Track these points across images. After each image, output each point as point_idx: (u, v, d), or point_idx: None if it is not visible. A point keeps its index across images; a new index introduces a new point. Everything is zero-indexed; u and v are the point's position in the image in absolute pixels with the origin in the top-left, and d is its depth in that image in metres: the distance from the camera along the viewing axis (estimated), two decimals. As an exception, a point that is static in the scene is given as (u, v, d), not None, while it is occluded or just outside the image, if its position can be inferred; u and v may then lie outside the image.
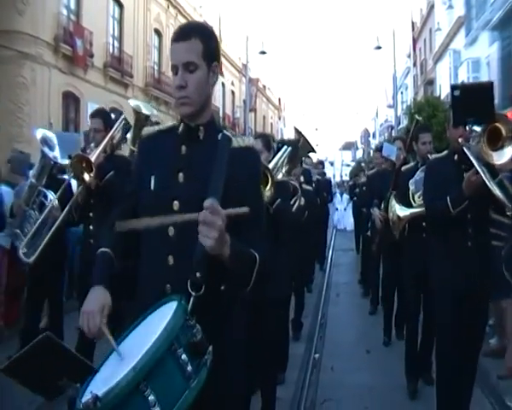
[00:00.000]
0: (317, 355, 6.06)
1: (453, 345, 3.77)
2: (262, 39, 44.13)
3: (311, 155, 8.55)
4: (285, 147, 4.75)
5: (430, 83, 35.95)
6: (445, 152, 4.10)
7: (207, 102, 2.10)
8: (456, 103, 3.58)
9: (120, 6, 24.20)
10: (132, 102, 5.27)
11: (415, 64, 38.84)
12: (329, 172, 26.91)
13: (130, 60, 24.53)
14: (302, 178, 6.79)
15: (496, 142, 3.52)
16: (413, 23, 36.47)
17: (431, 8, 36.27)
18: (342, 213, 21.45)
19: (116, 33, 23.96)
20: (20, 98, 16.98)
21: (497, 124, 3.52)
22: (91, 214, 4.59)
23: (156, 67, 28.02)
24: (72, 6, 20.55)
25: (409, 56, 40.15)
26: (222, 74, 36.33)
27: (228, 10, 78.15)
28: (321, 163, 14.35)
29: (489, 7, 23.44)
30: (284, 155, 4.64)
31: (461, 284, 3.74)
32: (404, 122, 27.67)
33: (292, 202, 4.99)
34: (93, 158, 4.39)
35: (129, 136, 5.13)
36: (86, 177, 4.40)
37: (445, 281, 3.87)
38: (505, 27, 22.09)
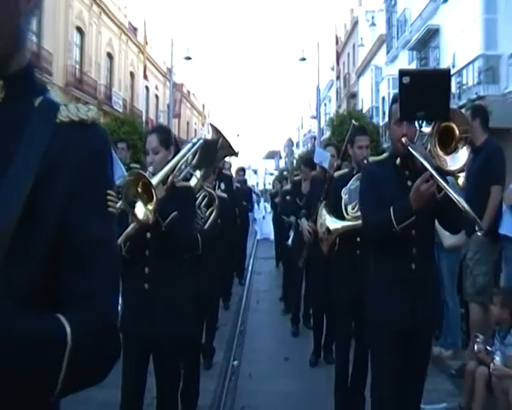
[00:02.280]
0: (235, 362, 6.02)
1: (392, 391, 3.15)
2: (187, 44, 44.02)
3: (232, 161, 8.22)
4: (190, 143, 3.89)
5: (353, 96, 37.11)
6: (385, 155, 3.47)
7: (16, 42, 1.19)
8: (405, 93, 2.90)
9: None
10: None
11: (338, 77, 39.86)
12: (253, 180, 27.09)
13: (49, 57, 23.65)
14: (222, 185, 6.25)
15: (447, 143, 2.94)
16: (337, 37, 37.45)
17: (355, 24, 37.48)
18: (261, 222, 21.54)
19: (35, 29, 23.04)
20: None
21: (451, 123, 2.94)
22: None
23: (78, 66, 27.19)
24: None
25: (332, 69, 41.18)
26: (146, 78, 35.82)
27: (153, 13, 77.49)
28: (242, 170, 13.71)
29: (409, 27, 24.63)
30: (188, 154, 3.75)
31: (403, 320, 3.09)
32: (327, 133, 28.31)
33: (207, 213, 4.31)
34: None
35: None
36: (139, 210, 3.11)
37: (383, 316, 3.17)
38: (422, 48, 23.30)
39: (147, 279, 3.30)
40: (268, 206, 21.47)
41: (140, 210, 3.08)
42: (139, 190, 3.08)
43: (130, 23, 34.99)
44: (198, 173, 4.10)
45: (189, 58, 32.84)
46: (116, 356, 1.23)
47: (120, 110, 30.35)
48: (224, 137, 4.53)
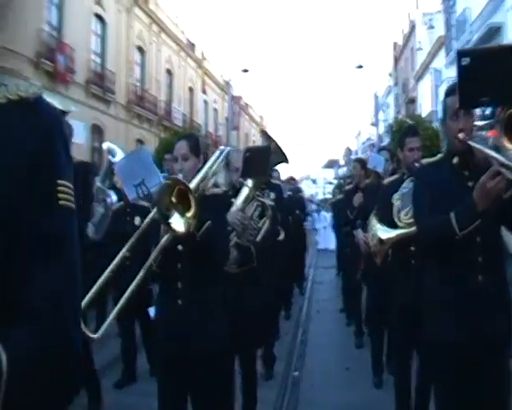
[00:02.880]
0: (296, 373, 6.01)
1: None
2: (245, 57, 44.39)
3: (288, 170, 8.08)
4: (218, 151, 3.63)
5: (412, 101, 36.44)
6: (440, 155, 3.10)
7: None
8: (465, 76, 2.49)
9: (103, 22, 24.22)
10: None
11: (396, 83, 39.30)
12: (312, 189, 26.99)
13: (112, 76, 24.49)
14: (272, 195, 5.99)
15: None
16: (395, 43, 36.96)
17: (412, 27, 36.87)
18: (323, 233, 21.38)
19: (99, 50, 23.94)
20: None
21: None
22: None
23: (139, 84, 28.01)
24: (55, 22, 20.51)
25: (390, 75, 40.62)
26: (204, 92, 36.47)
27: (211, 28, 78.79)
28: (292, 179, 13.47)
29: (469, 27, 23.97)
30: (219, 161, 3.53)
31: (470, 341, 2.69)
32: (386, 140, 27.92)
33: (260, 225, 4.13)
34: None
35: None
36: (177, 222, 2.83)
37: (445, 335, 2.78)
38: (483, 48, 22.57)
39: (180, 295, 3.09)
40: (328, 215, 21.30)
41: (177, 221, 2.79)
42: (173, 200, 2.82)
43: (188, 39, 35.74)
44: (249, 183, 3.94)
45: (246, 70, 33.16)
46: (72, 384, 1.04)
47: (180, 125, 31.01)
48: (275, 144, 4.30)
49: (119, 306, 3.07)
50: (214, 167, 3.43)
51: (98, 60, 23.81)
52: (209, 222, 2.93)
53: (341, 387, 5.62)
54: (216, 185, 3.64)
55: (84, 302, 2.74)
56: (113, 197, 5.76)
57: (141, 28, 28.13)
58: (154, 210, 3.00)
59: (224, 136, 41.24)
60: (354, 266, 6.70)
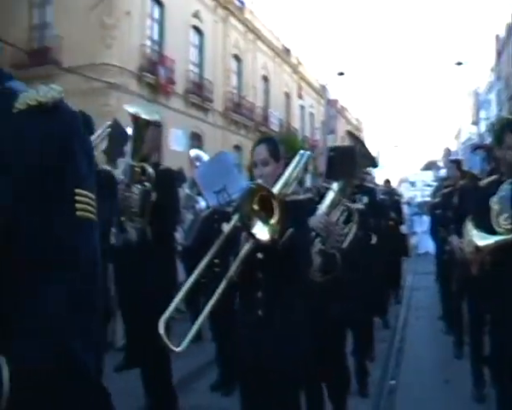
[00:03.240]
0: (393, 382, 5.90)
1: None
2: (340, 60, 44.01)
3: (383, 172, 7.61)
4: (299, 156, 3.36)
5: (517, 98, 34.48)
6: None
7: None
8: None
9: (200, 34, 25.01)
10: (131, 108, 4.15)
11: (499, 78, 37.40)
12: (410, 192, 26.19)
13: (210, 85, 25.21)
14: (365, 199, 5.69)
15: None
16: (497, 35, 35.18)
17: (517, 20, 34.92)
18: (422, 236, 20.69)
19: (197, 60, 24.75)
20: (107, 125, 17.89)
21: None
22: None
23: (236, 92, 28.61)
24: (156, 37, 21.49)
25: (492, 70, 38.71)
26: (300, 97, 36.57)
27: (305, 33, 78.83)
28: (388, 182, 12.77)
29: None
30: (300, 165, 3.32)
31: None
32: (488, 140, 26.62)
33: (346, 230, 3.88)
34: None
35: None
36: (260, 230, 2.70)
37: None
38: None
39: (260, 305, 2.92)
40: (427, 219, 20.56)
41: (261, 229, 2.65)
42: (255, 207, 2.67)
43: (283, 45, 36.03)
44: (335, 186, 3.72)
45: (341, 74, 32.90)
46: (73, 394, 1.01)
47: (277, 130, 31.33)
48: (362, 145, 4.08)
49: (202, 316, 2.81)
50: (296, 172, 3.21)
51: (196, 70, 24.64)
52: (291, 230, 2.78)
53: (439, 401, 5.44)
54: (296, 192, 3.56)
55: (168, 311, 2.68)
56: (202, 204, 5.85)
57: (237, 37, 28.73)
58: (235, 217, 2.86)
59: (320, 140, 41.14)
60: (452, 273, 6.43)
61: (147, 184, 4.11)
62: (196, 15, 24.32)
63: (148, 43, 20.91)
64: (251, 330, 2.95)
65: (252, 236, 2.69)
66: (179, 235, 6.85)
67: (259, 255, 2.91)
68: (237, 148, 27.57)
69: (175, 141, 21.33)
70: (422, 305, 10.63)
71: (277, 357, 2.84)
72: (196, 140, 23.95)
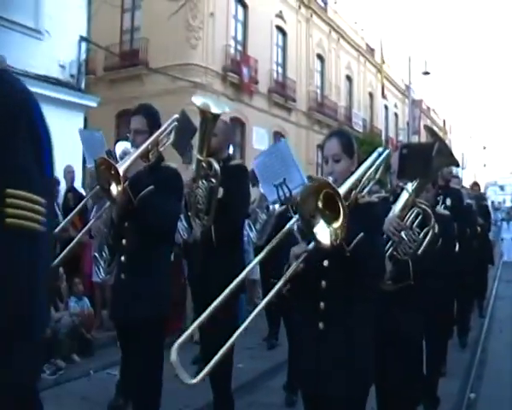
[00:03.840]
0: (472, 395, 5.68)
1: None
2: (425, 59, 42.85)
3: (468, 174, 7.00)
4: (376, 153, 3.04)
5: None
6: None
7: None
8: None
9: (284, 34, 25.09)
10: (198, 100, 3.94)
11: None
12: (499, 196, 25.06)
13: (293, 85, 25.26)
14: (448, 201, 5.34)
15: None
16: None
17: None
18: (509, 243, 19.66)
19: (280, 60, 24.86)
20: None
21: None
22: (124, 242, 3.65)
23: (319, 91, 28.48)
24: (240, 37, 21.79)
25: None
26: (384, 97, 35.86)
27: (389, 31, 77.08)
28: (476, 185, 12.04)
29: None
30: (378, 163, 2.97)
31: None
32: None
33: (421, 236, 3.44)
34: (124, 166, 3.28)
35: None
36: (113, 189, 3.25)
37: None
38: None
39: (322, 317, 2.64)
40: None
41: (323, 231, 2.36)
42: (319, 204, 2.38)
43: (367, 44, 35.47)
44: (409, 186, 3.41)
45: (427, 73, 32.01)
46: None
47: (360, 130, 30.93)
48: (441, 142, 3.72)
49: (250, 316, 2.52)
50: (371, 171, 2.86)
51: (280, 70, 24.74)
52: (361, 235, 2.47)
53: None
54: (378, 192, 3.41)
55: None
56: (276, 206, 5.84)
57: (320, 36, 28.58)
58: (295, 216, 2.58)
59: (404, 141, 40.16)
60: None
61: (213, 180, 3.92)
62: (279, 15, 24.43)
63: (232, 43, 21.23)
64: (310, 345, 2.67)
65: (313, 236, 2.40)
66: (253, 234, 6.89)
67: (325, 263, 2.64)
68: (320, 147, 27.45)
69: (258, 140, 21.56)
70: (507, 316, 10.15)
71: (340, 382, 2.57)
72: (279, 139, 24.06)
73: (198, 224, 4.07)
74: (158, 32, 18.35)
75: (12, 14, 12.80)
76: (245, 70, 21.16)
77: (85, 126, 13.53)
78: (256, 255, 2.99)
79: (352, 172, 2.74)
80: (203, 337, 4.36)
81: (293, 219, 2.65)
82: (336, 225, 2.31)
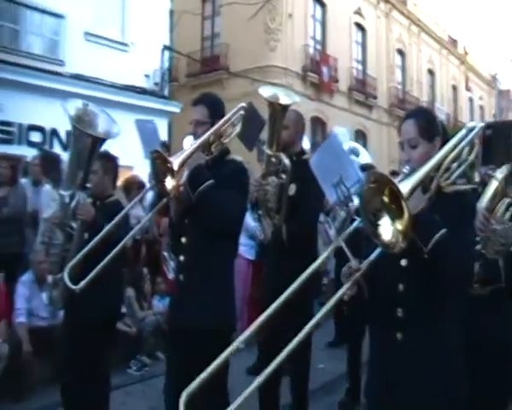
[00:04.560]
0: None
1: None
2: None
3: None
4: (464, 130, 2.41)
5: None
6: None
7: None
8: None
9: (363, 30, 24.70)
10: (265, 91, 3.70)
11: None
12: None
13: (373, 82, 24.80)
14: None
15: None
16: None
17: None
18: None
19: (359, 57, 24.50)
20: (273, 126, 18.42)
21: None
22: (183, 240, 3.26)
23: (400, 87, 27.80)
24: (318, 37, 21.67)
25: None
26: (469, 89, 34.54)
27: (472, 20, 74.29)
28: None
29: None
30: (464, 143, 2.35)
31: None
32: None
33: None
34: (179, 159, 2.99)
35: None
36: (168, 183, 2.95)
37: None
38: None
39: (400, 327, 2.27)
40: None
41: (386, 228, 2.05)
42: (385, 199, 2.05)
43: (449, 36, 34.30)
44: (499, 174, 2.96)
45: (516, 60, 30.45)
46: None
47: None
48: None
49: (309, 325, 2.25)
50: (456, 153, 2.33)
51: (359, 67, 24.37)
52: (443, 231, 2.10)
53: None
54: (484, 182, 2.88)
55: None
56: (356, 202, 5.60)
57: (400, 31, 27.91)
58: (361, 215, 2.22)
59: (492, 133, 38.40)
60: None
61: (283, 175, 3.69)
62: (358, 12, 24.08)
63: (311, 43, 21.14)
64: (386, 356, 2.31)
65: (377, 237, 2.07)
66: (331, 232, 6.59)
67: (403, 262, 2.28)
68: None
69: (342, 139, 21.27)
70: None
71: (420, 395, 2.22)
72: (361, 137, 23.67)
73: (269, 223, 3.85)
74: (237, 36, 18.58)
75: (102, 30, 13.37)
76: (325, 69, 21.00)
77: (170, 132, 13.87)
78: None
79: (431, 158, 2.25)
80: (269, 341, 3.82)
81: (357, 221, 2.37)
82: (400, 226, 1.98)
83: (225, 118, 3.27)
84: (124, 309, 6.87)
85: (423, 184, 2.16)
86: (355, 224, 2.38)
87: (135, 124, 4.38)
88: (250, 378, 2.03)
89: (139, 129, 4.47)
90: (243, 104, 3.41)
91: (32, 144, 11.09)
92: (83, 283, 3.13)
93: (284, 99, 3.65)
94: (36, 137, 12.02)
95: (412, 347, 2.22)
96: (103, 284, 3.37)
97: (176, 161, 2.94)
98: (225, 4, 19.43)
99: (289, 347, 2.09)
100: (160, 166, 2.97)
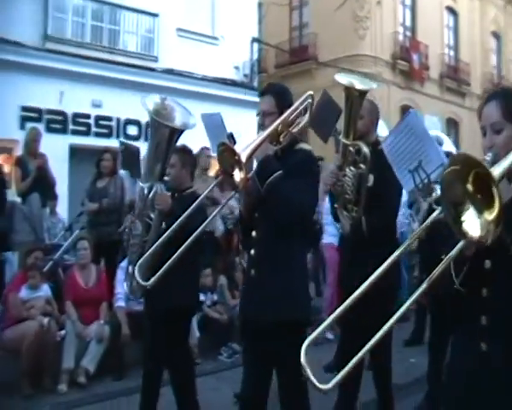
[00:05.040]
0: None
1: None
2: None
3: None
4: None
5: None
6: None
7: None
8: None
9: (455, 14, 23.77)
10: (342, 78, 3.55)
11: None
12: None
13: (466, 68, 23.82)
14: None
15: None
16: None
17: None
18: None
19: (451, 42, 23.59)
20: (362, 116, 18.20)
21: None
22: (254, 234, 3.18)
23: (495, 72, 26.52)
24: (408, 23, 21.09)
25: None
26: None
27: None
28: None
29: None
30: None
31: None
32: None
33: None
34: (247, 150, 2.90)
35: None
36: (237, 176, 2.87)
37: None
38: None
39: (484, 336, 2.00)
40: None
41: (471, 221, 1.77)
42: (469, 187, 1.77)
43: None
44: None
45: None
46: None
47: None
48: None
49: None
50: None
51: (451, 53, 23.49)
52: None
53: None
54: None
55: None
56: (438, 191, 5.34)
57: (495, 12, 26.57)
58: (438, 209, 2.02)
59: None
60: None
61: (362, 166, 3.53)
62: (450, -5, 23.20)
63: (401, 30, 20.62)
64: (469, 370, 2.04)
65: (459, 229, 1.79)
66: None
67: (487, 264, 2.00)
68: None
69: (430, 128, 20.57)
70: None
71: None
72: (452, 126, 22.85)
73: (346, 216, 3.68)
74: (326, 25, 18.47)
75: (192, 25, 13.73)
76: (415, 56, 20.42)
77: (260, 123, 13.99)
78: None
79: None
80: (348, 334, 3.80)
81: (437, 211, 2.05)
82: (490, 216, 1.70)
83: (293, 107, 3.15)
84: (215, 297, 7.08)
85: (510, 175, 1.89)
86: (434, 214, 2.07)
87: (201, 118, 4.36)
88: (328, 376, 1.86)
89: (205, 123, 4.51)
90: (310, 92, 3.30)
91: (129, 137, 11.55)
92: (153, 279, 3.12)
93: (361, 85, 3.48)
94: (133, 130, 12.60)
95: (498, 359, 1.94)
96: (179, 275, 3.36)
97: (243, 153, 2.85)
98: (313, -6, 19.39)
99: (371, 341, 1.89)
100: (228, 159, 2.87)
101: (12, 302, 5.60)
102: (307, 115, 3.21)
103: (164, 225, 3.71)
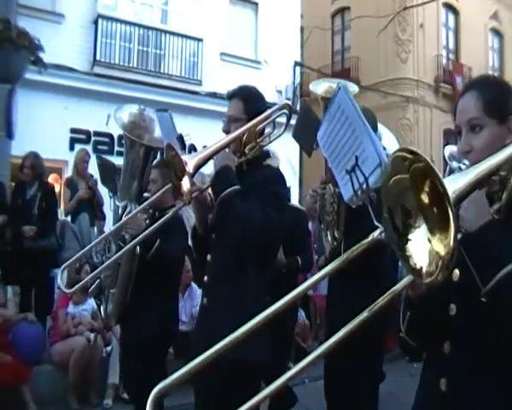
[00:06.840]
0: None
1: None
2: None
3: None
4: None
5: None
6: None
7: None
8: None
9: (499, 35, 23.46)
10: (319, 87, 3.23)
11: None
12: None
13: (511, 90, 23.43)
14: None
15: None
16: None
17: None
18: None
19: (496, 64, 23.25)
20: (404, 139, 17.95)
21: None
22: (209, 258, 2.76)
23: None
24: (451, 46, 20.92)
25: None
26: None
27: None
28: None
29: None
30: None
31: None
32: None
33: None
34: (195, 158, 2.49)
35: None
36: (186, 183, 2.44)
37: None
38: None
39: (445, 373, 1.58)
40: None
41: (419, 247, 1.32)
42: (424, 199, 1.30)
43: None
44: None
45: None
46: None
47: None
48: None
49: None
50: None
51: (496, 74, 23.12)
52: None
53: None
54: None
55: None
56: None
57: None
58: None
59: None
60: None
61: None
62: (494, 17, 22.88)
63: (444, 52, 20.46)
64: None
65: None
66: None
67: (452, 310, 1.57)
68: None
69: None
70: None
71: None
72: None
73: (328, 239, 3.30)
74: (368, 49, 18.49)
75: (236, 50, 13.96)
76: (458, 79, 20.15)
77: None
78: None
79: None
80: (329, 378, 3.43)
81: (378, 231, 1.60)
82: (441, 246, 1.24)
83: (264, 114, 2.73)
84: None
85: (491, 190, 1.47)
86: (373, 235, 1.63)
87: (155, 115, 4.00)
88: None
89: (158, 120, 4.07)
90: (287, 101, 2.97)
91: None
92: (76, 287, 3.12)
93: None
94: (177, 152, 12.76)
95: (458, 398, 1.54)
96: (154, 301, 3.27)
97: (191, 161, 2.44)
98: (355, 18, 19.37)
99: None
100: (177, 165, 2.48)
101: (61, 318, 5.71)
102: (283, 128, 2.82)
103: (138, 250, 3.45)
